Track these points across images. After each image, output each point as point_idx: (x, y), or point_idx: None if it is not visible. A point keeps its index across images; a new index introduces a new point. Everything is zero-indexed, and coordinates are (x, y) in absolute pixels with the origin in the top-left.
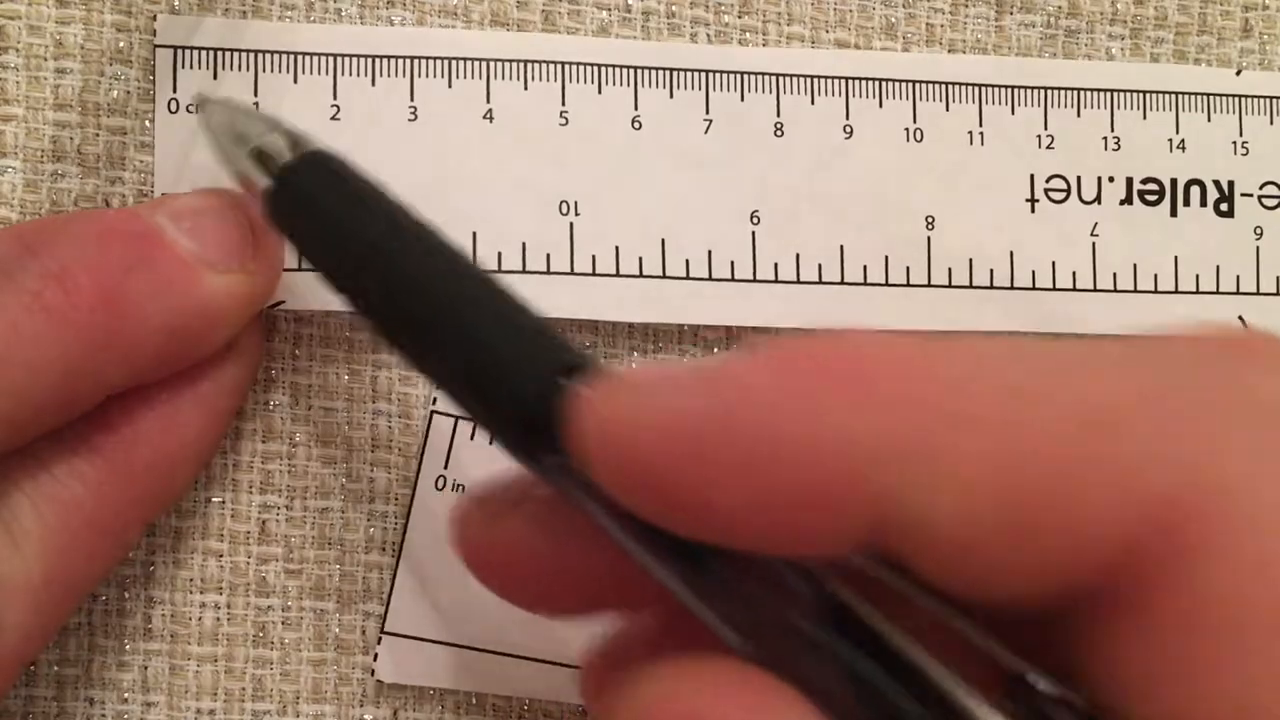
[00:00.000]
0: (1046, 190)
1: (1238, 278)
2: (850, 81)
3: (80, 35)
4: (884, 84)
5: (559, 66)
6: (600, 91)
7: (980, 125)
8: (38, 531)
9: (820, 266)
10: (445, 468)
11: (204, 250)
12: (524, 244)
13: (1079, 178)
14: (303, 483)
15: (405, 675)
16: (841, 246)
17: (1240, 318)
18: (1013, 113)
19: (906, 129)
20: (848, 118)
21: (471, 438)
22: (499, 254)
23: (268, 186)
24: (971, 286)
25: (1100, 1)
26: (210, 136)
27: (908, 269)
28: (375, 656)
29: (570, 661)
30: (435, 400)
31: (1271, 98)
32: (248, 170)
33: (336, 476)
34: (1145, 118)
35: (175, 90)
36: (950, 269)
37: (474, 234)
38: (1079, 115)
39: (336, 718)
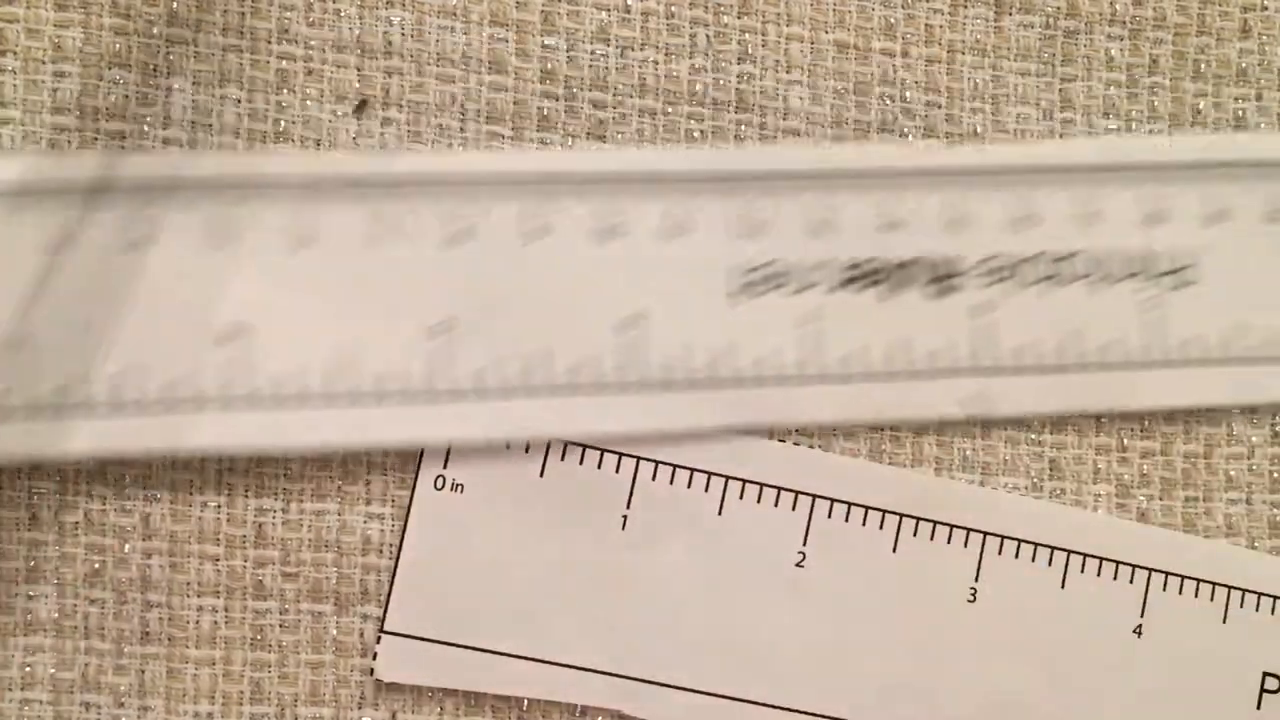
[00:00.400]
0: (755, 280)
1: (961, 358)
2: (537, 181)
3: (79, 39)
4: (574, 181)
5: (211, 189)
6: (259, 209)
7: (681, 216)
8: None
9: (523, 373)
10: (444, 467)
11: None
12: (188, 375)
13: (788, 264)
14: (298, 485)
15: (405, 674)
16: (539, 352)
17: (968, 399)
18: (714, 201)
19: (601, 226)
20: (538, 217)
21: None
22: (161, 388)
23: None
24: (681, 387)
25: (1099, 2)
26: None
27: (613, 371)
28: (375, 656)
29: (569, 661)
30: None
31: (987, 171)
32: None
33: (332, 479)
34: (855, 198)
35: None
36: (658, 368)
37: (120, 372)
38: (785, 200)
39: None
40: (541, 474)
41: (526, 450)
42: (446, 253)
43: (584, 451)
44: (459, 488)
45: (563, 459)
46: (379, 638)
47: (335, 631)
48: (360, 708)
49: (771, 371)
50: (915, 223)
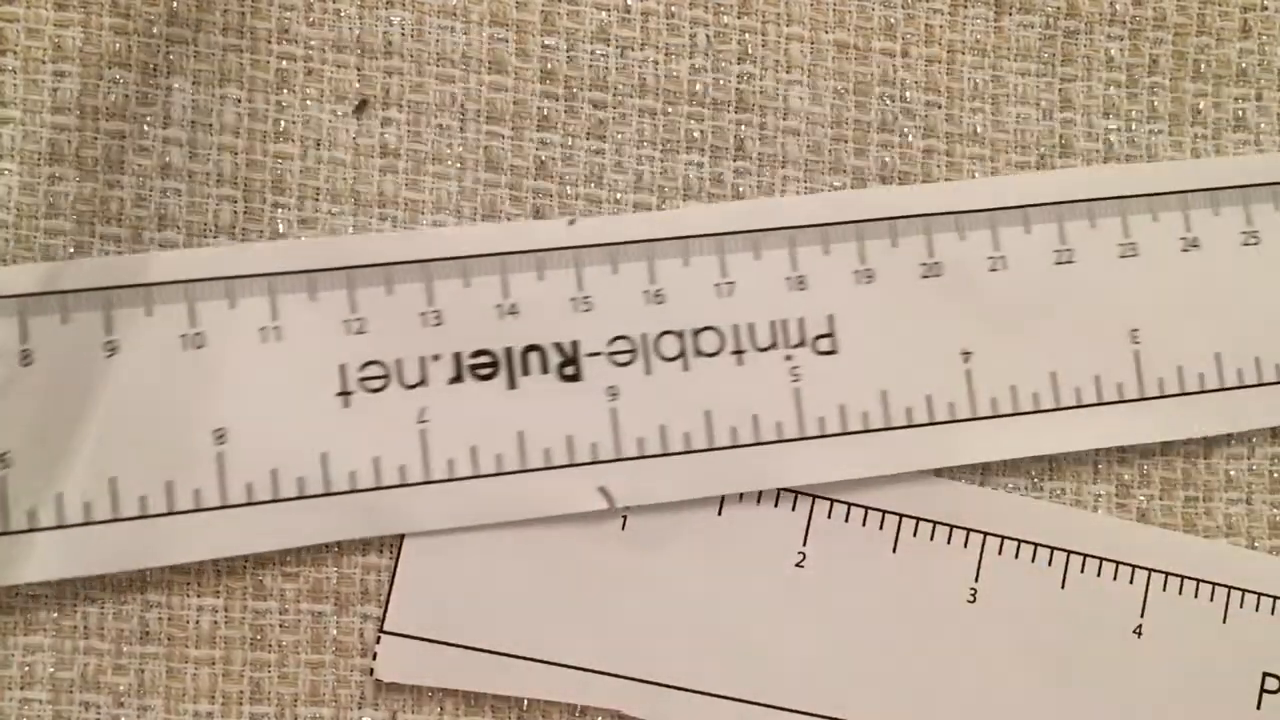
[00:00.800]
0: (362, 379)
1: (594, 445)
2: (108, 291)
3: (79, 38)
4: (152, 289)
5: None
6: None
7: (274, 319)
8: None
9: (111, 501)
10: None
11: None
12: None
13: (399, 360)
14: None
15: (405, 674)
16: (125, 476)
17: (602, 489)
18: (312, 298)
19: (183, 335)
20: (111, 333)
21: None
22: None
23: None
24: (279, 500)
25: (1099, 2)
26: None
27: (197, 492)
28: (375, 656)
29: (569, 661)
30: None
31: (604, 245)
32: None
33: None
34: (466, 285)
35: (27, 340)
36: (250, 484)
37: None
38: (389, 292)
39: None
40: None
41: None
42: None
43: None
44: None
45: None
46: (379, 638)
47: (335, 631)
48: (360, 708)
49: (390, 476)
50: (533, 307)
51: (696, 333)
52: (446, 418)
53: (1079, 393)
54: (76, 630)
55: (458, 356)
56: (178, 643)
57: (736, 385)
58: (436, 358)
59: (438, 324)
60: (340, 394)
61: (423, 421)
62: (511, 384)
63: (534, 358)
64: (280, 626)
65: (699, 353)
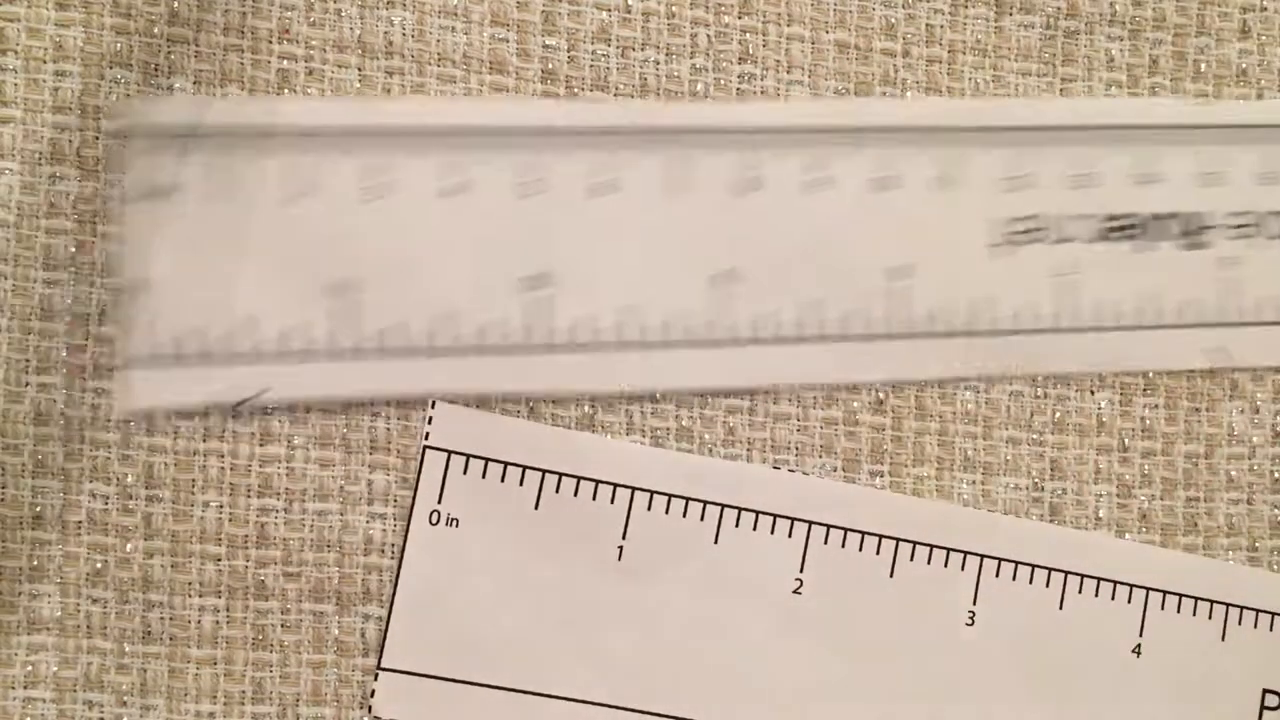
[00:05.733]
0: (1016, 231)
1: (1208, 310)
2: (817, 132)
3: (80, 38)
4: (851, 132)
5: (515, 135)
6: (560, 159)
7: (946, 169)
8: None
9: (797, 323)
10: (439, 502)
11: None
12: (494, 321)
13: (1049, 217)
14: (301, 485)
15: (403, 711)
16: (812, 301)
17: (1209, 351)
18: (982, 154)
19: (878, 177)
20: (817, 169)
21: (464, 472)
22: (471, 332)
23: None
24: (940, 335)
25: (1099, 2)
26: None
27: (877, 320)
28: (373, 694)
29: (568, 694)
30: (428, 435)
31: (1239, 127)
32: None
33: (335, 479)
34: (1116, 152)
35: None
36: (923, 317)
37: (440, 315)
38: (1049, 153)
39: None
40: (536, 506)
41: (521, 483)
42: (732, 201)
43: (579, 482)
44: (454, 522)
45: (557, 490)
46: (376, 675)
47: (337, 631)
48: (362, 707)
49: (1028, 322)
50: (1171, 177)
51: None
52: (1085, 274)
53: None
54: (79, 630)
55: (1101, 218)
56: (180, 642)
57: None
58: (1083, 217)
59: (1088, 186)
60: (995, 244)
61: (1064, 275)
62: (1143, 247)
63: (1166, 224)
64: (282, 626)
65: None
